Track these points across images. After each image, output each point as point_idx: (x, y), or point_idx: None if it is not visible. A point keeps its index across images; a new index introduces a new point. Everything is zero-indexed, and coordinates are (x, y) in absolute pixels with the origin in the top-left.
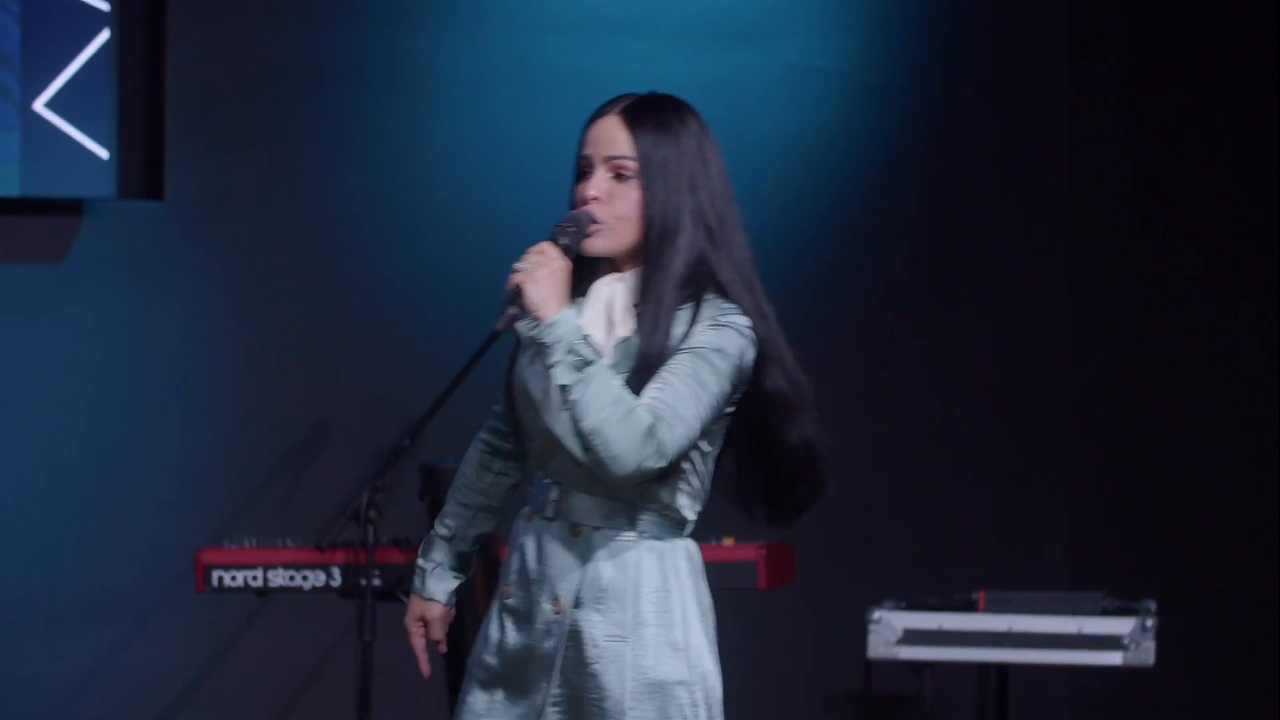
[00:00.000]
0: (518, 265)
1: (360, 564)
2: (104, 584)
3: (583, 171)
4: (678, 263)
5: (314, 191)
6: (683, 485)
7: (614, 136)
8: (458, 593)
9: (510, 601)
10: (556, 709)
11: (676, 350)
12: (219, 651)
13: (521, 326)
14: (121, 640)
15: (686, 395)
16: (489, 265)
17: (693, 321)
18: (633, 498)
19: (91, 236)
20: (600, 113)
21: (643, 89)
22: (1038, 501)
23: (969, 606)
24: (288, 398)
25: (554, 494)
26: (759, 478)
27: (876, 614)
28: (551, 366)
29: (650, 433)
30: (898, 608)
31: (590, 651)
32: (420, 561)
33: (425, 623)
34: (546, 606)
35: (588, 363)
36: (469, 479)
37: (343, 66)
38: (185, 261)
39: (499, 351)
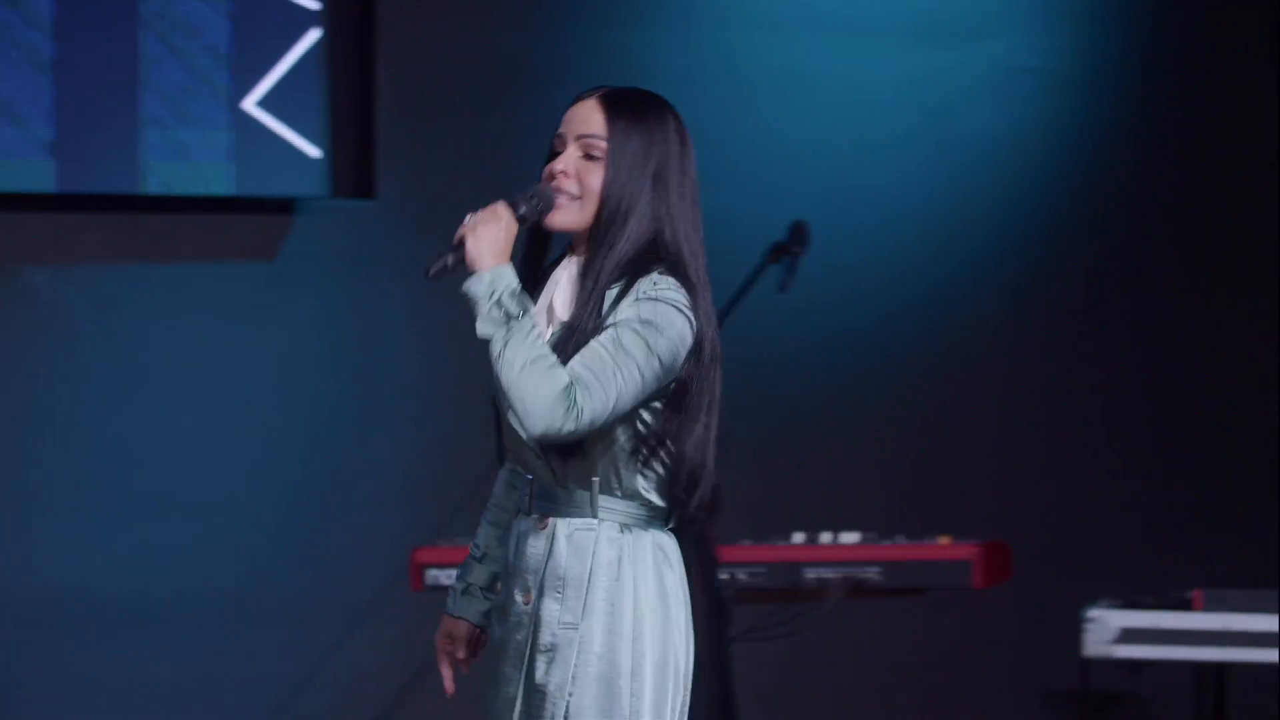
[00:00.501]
0: (467, 218)
1: None
2: (320, 584)
3: (554, 150)
4: (623, 245)
5: (526, 188)
6: (644, 471)
7: (589, 117)
8: (489, 614)
9: (497, 599)
10: (521, 698)
11: (606, 325)
12: (435, 652)
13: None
14: (337, 640)
15: (608, 361)
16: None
17: (622, 296)
18: (590, 487)
19: (303, 235)
20: (581, 96)
21: (851, 87)
22: (1250, 499)
23: (1184, 605)
24: None
25: (528, 489)
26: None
27: (1093, 613)
28: (477, 318)
29: (566, 392)
30: (1114, 606)
31: (545, 638)
32: (454, 581)
33: (452, 641)
34: (518, 598)
35: (511, 317)
36: (498, 497)
37: (552, 65)
38: (396, 260)
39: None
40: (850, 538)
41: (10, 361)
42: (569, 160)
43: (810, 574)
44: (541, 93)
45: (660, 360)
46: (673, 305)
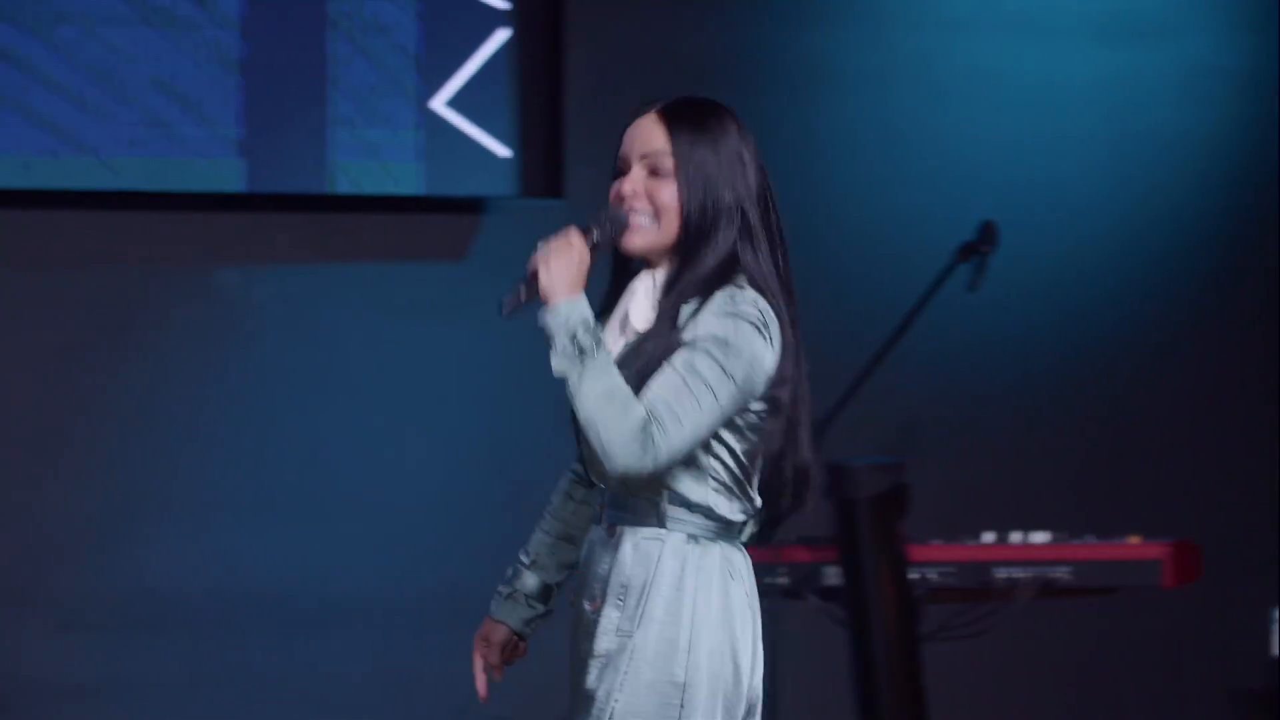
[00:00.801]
0: (540, 248)
1: (767, 563)
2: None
3: (619, 170)
4: (709, 259)
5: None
6: (711, 483)
7: (650, 134)
8: (534, 623)
9: (573, 610)
10: (573, 705)
11: (679, 342)
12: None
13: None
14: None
15: (684, 394)
16: (890, 263)
17: (698, 311)
18: (660, 497)
19: (492, 235)
20: (637, 113)
21: (1040, 86)
22: None
23: None
24: None
25: (601, 498)
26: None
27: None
28: (551, 354)
29: (643, 430)
30: None
31: (601, 645)
32: (500, 585)
33: (488, 644)
34: (586, 607)
35: (585, 352)
36: (553, 506)
37: (742, 65)
38: None
39: (901, 349)
40: (1040, 537)
41: (199, 361)
42: (636, 180)
43: (1000, 573)
44: (731, 93)
45: (736, 383)
46: (750, 322)
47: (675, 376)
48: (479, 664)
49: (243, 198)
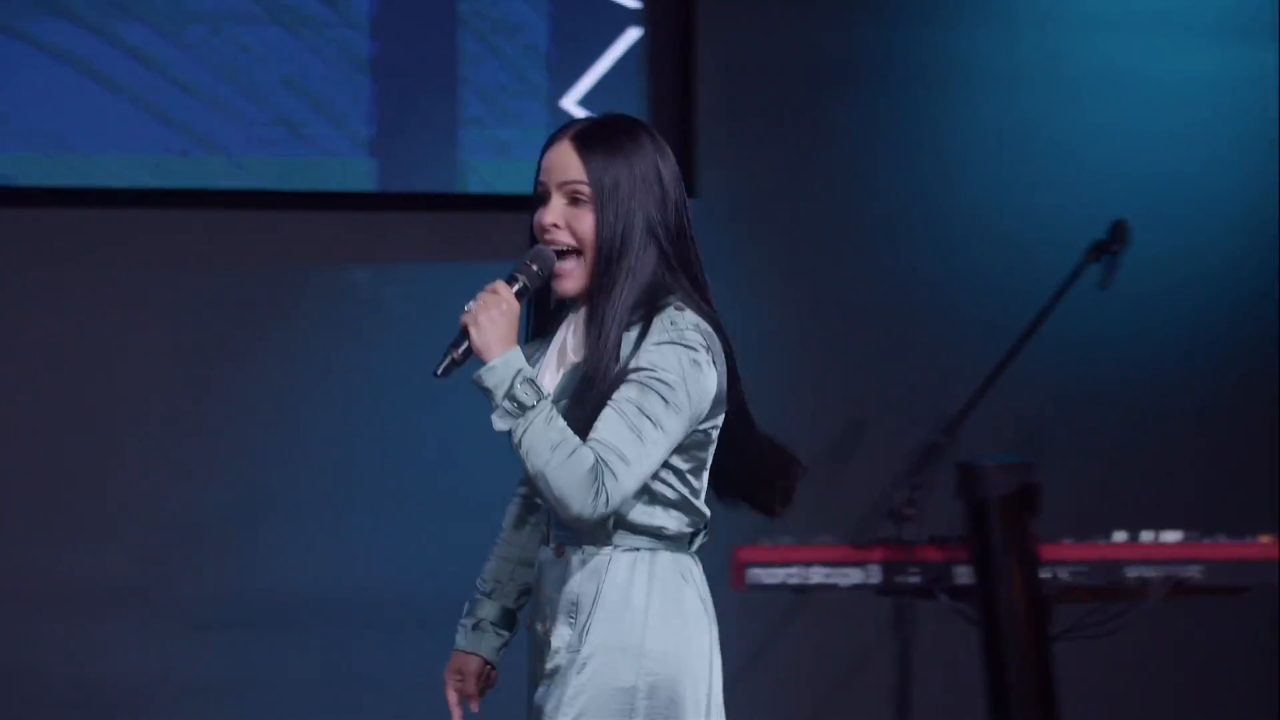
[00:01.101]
0: (468, 305)
1: (899, 561)
2: None
3: (539, 198)
4: (627, 282)
5: (846, 189)
6: (660, 502)
7: (566, 162)
8: (502, 650)
9: (529, 633)
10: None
11: (624, 373)
12: (756, 650)
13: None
14: None
15: (628, 434)
16: (1022, 262)
17: (640, 339)
18: (609, 519)
19: None
20: (553, 139)
21: (1172, 84)
22: None
23: None
24: (823, 394)
25: (546, 518)
26: (736, 475)
27: None
28: (493, 411)
29: (592, 474)
30: None
31: (550, 661)
32: (462, 618)
33: (462, 677)
34: (538, 628)
35: (526, 408)
36: (506, 532)
37: (873, 65)
38: (717, 259)
39: (1032, 348)
40: (1171, 536)
41: (329, 361)
42: (556, 211)
43: (1131, 573)
44: (862, 92)
45: (681, 414)
46: (691, 348)
47: (620, 418)
48: (454, 698)
49: (373, 197)
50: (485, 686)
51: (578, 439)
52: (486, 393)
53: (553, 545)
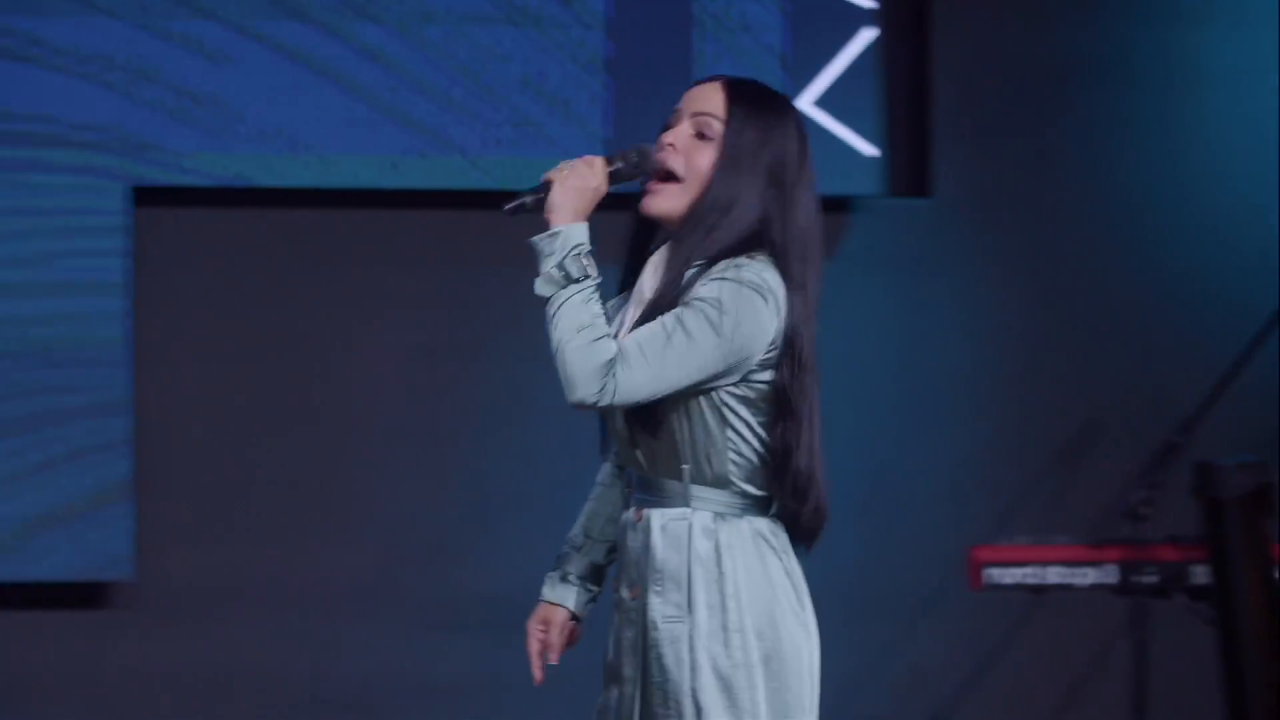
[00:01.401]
0: (561, 164)
1: (1135, 561)
2: (877, 581)
3: (669, 124)
4: (722, 231)
5: (1083, 188)
6: (731, 455)
7: (710, 95)
8: (588, 606)
9: (615, 596)
10: (637, 695)
11: (676, 303)
12: (992, 650)
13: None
14: (895, 638)
15: (660, 341)
16: (1261, 260)
17: (700, 274)
18: (682, 477)
19: (859, 234)
20: (707, 78)
21: None
22: None
23: None
24: (1060, 393)
25: (627, 482)
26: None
27: None
28: (539, 274)
29: (607, 367)
30: None
31: (652, 634)
32: (550, 571)
33: (546, 627)
34: (625, 594)
35: (573, 279)
36: (599, 487)
37: (1113, 64)
38: (953, 259)
39: (1272, 344)
40: None
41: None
42: (680, 135)
43: None
44: (1102, 93)
45: (725, 339)
46: (752, 288)
47: (657, 324)
48: (535, 648)
49: (610, 197)
50: (568, 641)
51: (608, 329)
52: (538, 254)
53: (633, 509)
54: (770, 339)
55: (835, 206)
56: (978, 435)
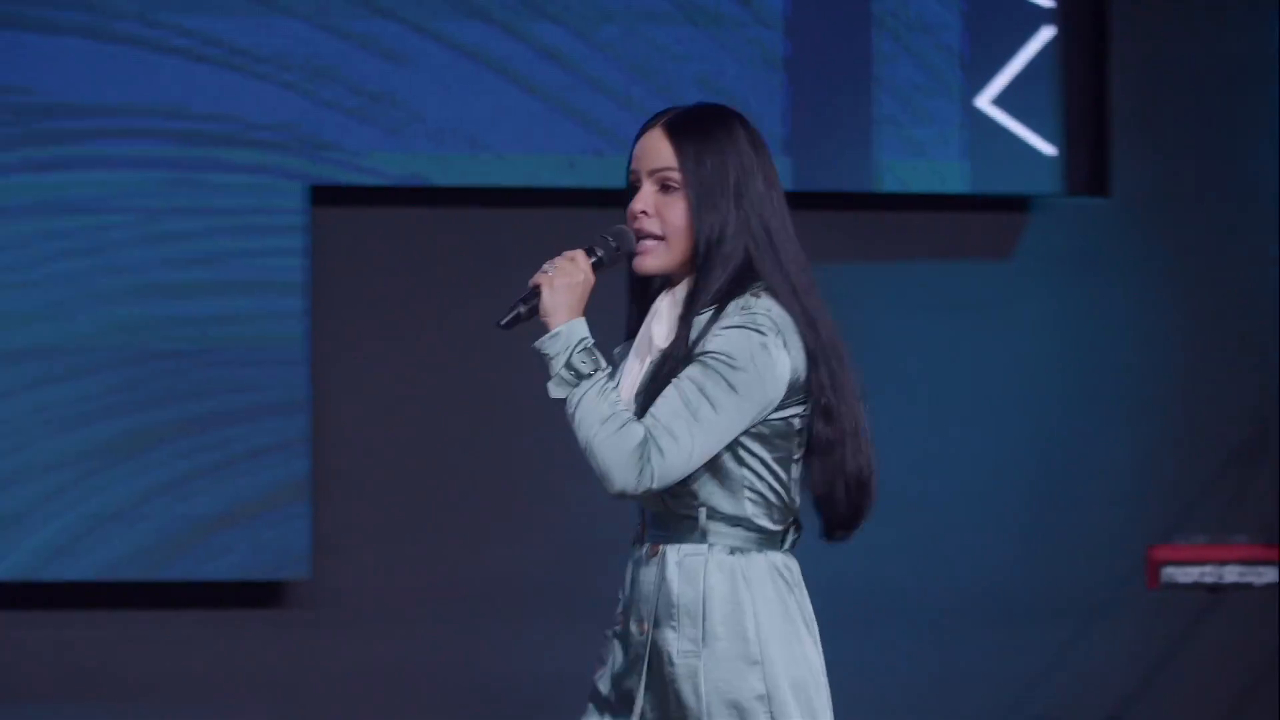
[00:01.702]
0: (545, 266)
1: None
2: (1055, 581)
3: (631, 186)
4: (719, 271)
5: (1262, 187)
6: (747, 494)
7: (658, 149)
8: None
9: (616, 628)
10: None
11: (691, 355)
12: (1168, 649)
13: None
14: (1070, 638)
15: (685, 418)
16: None
17: (711, 322)
18: (699, 511)
19: (1037, 233)
20: (645, 127)
21: None
22: None
23: None
24: (1237, 392)
25: (639, 517)
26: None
27: None
28: (549, 378)
29: (639, 451)
30: None
31: (668, 670)
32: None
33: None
34: (634, 629)
35: (584, 376)
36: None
37: None
38: (1131, 257)
39: None
40: None
41: None
42: (647, 199)
43: None
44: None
45: (741, 395)
46: (759, 331)
47: (676, 396)
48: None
49: (789, 196)
50: None
51: (630, 414)
52: (545, 358)
53: (647, 544)
54: (788, 381)
55: (1014, 206)
56: (1155, 434)
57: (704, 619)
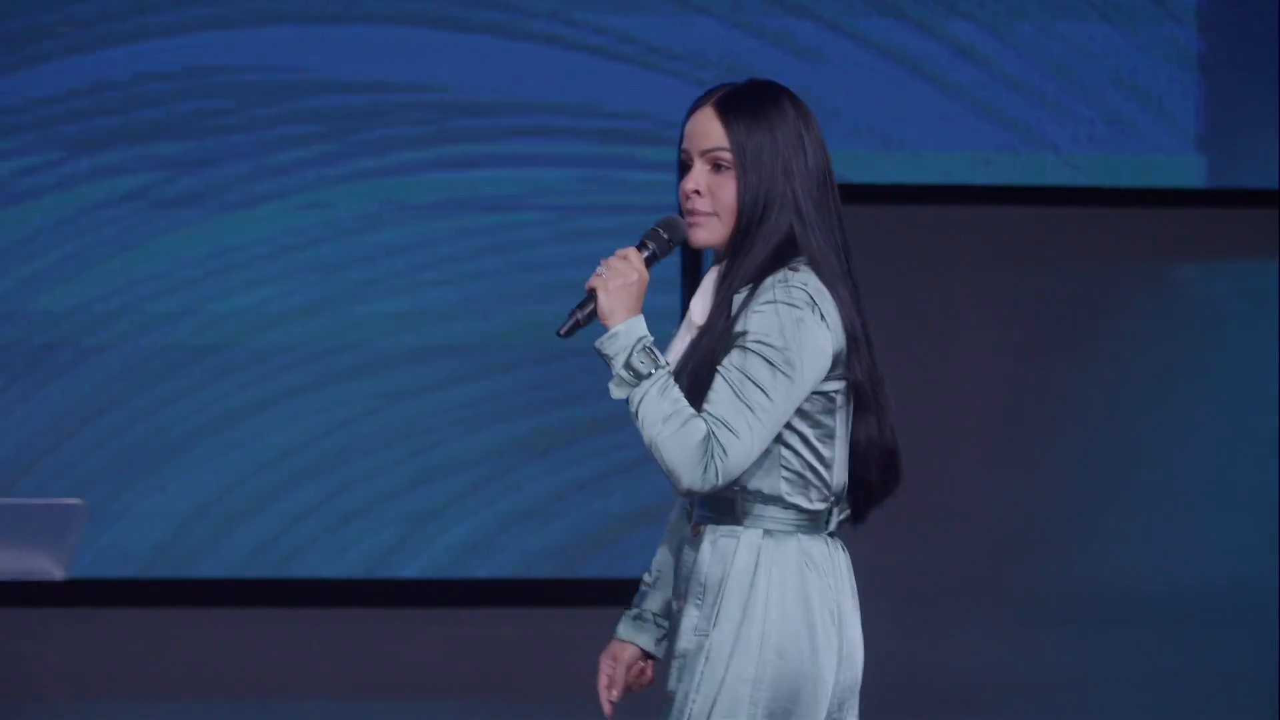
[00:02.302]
0: (599, 268)
1: None
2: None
3: (684, 166)
4: (759, 247)
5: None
6: (783, 473)
7: (708, 129)
8: (663, 643)
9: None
10: (669, 702)
11: (730, 336)
12: None
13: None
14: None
15: (738, 405)
16: None
17: (748, 300)
18: (735, 493)
19: None
20: (696, 106)
21: None
22: None
23: None
24: None
25: (690, 498)
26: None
27: None
28: (612, 379)
29: (704, 445)
30: None
31: (680, 644)
32: (627, 609)
33: (615, 664)
34: (674, 606)
35: (644, 376)
36: (673, 522)
37: None
38: None
39: None
40: None
41: (1157, 356)
42: (699, 178)
43: None
44: None
45: (792, 378)
46: (798, 307)
47: (727, 387)
48: (604, 682)
49: (1201, 193)
50: (642, 680)
51: (691, 410)
52: (606, 359)
53: (692, 524)
54: (831, 353)
55: None
56: None
57: (721, 599)
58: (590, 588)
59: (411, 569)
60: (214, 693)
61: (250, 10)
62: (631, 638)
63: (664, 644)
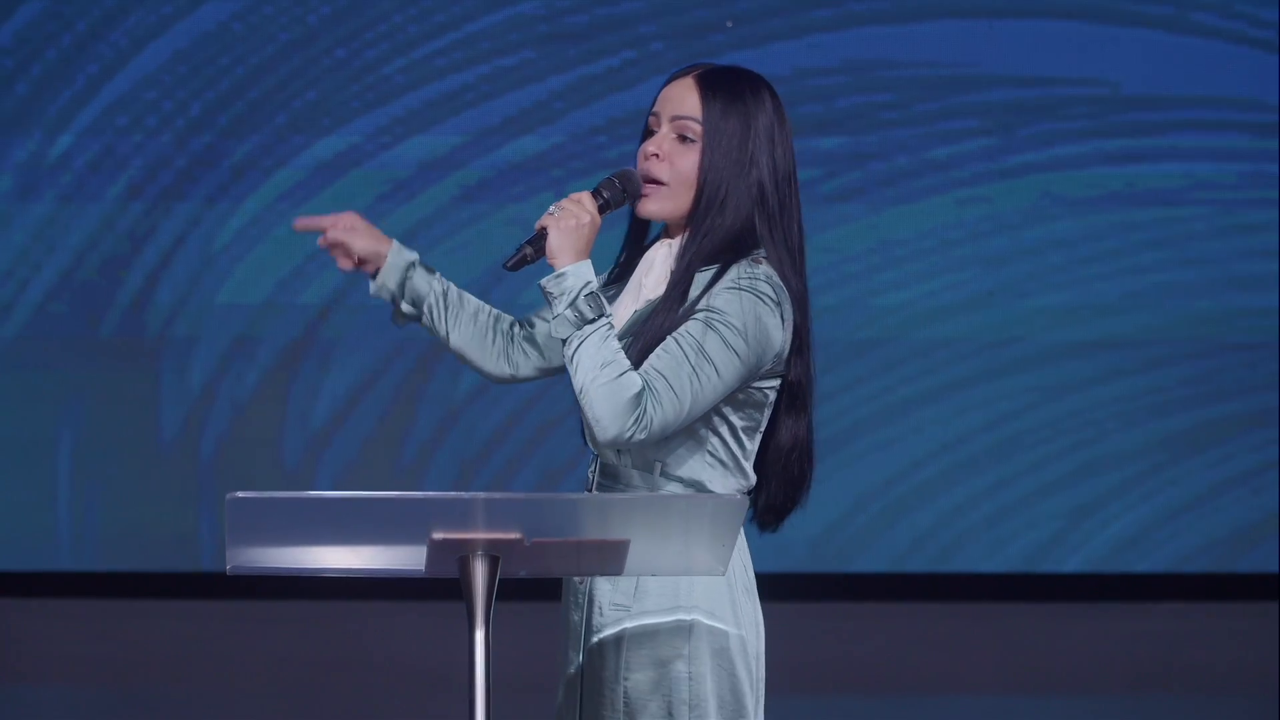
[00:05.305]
0: (552, 208)
1: None
2: None
3: (649, 129)
4: (720, 230)
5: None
6: (707, 458)
7: (684, 97)
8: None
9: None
10: (582, 681)
11: (690, 311)
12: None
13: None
14: None
15: (684, 367)
16: None
17: (714, 281)
18: (654, 467)
19: None
20: (675, 75)
21: None
22: None
23: None
24: None
25: (591, 466)
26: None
27: None
28: (555, 317)
29: (636, 400)
30: None
31: (596, 619)
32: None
33: (354, 230)
34: (575, 578)
35: (587, 320)
36: (484, 313)
37: None
38: None
39: None
40: None
41: None
42: (661, 142)
43: None
44: None
45: (740, 358)
46: (761, 298)
47: (677, 349)
48: (327, 220)
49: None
50: (336, 231)
51: (629, 364)
52: (550, 298)
53: (594, 494)
54: (777, 351)
55: None
56: None
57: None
58: (1253, 581)
59: (1072, 563)
60: (884, 689)
61: (912, 5)
62: (396, 254)
63: (385, 290)
